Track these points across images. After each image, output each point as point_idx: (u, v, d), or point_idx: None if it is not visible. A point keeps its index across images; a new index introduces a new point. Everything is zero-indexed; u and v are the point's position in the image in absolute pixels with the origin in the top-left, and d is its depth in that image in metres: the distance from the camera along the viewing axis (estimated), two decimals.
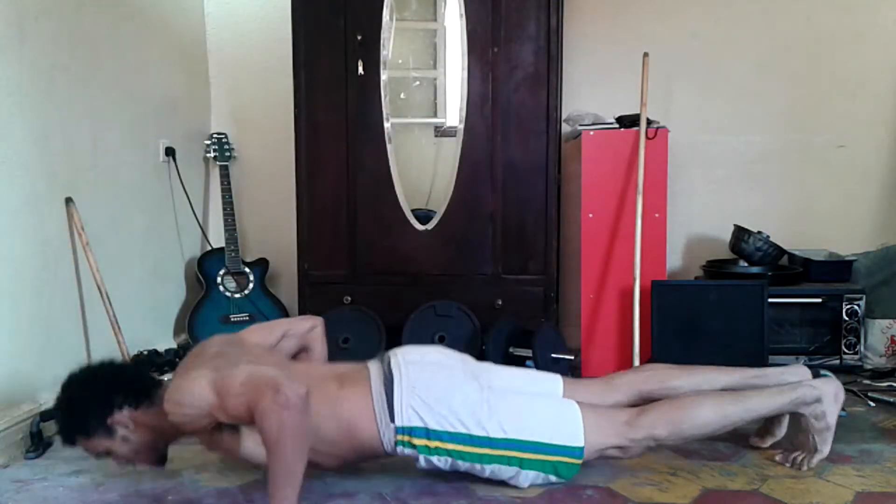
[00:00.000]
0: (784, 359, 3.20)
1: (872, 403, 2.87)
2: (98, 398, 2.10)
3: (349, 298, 3.43)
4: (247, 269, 3.73)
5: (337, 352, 3.28)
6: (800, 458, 2.29)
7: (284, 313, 3.76)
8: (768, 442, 2.46)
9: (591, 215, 3.29)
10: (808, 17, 3.65)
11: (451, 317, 3.33)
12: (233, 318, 3.64)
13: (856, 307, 3.23)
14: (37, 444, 2.52)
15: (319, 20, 3.39)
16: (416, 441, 2.10)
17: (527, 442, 2.11)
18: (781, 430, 2.45)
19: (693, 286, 3.33)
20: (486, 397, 2.14)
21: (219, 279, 3.69)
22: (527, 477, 2.14)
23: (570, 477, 2.16)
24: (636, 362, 3.08)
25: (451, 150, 3.46)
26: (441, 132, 3.74)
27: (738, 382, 2.36)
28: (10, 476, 2.36)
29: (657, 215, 3.24)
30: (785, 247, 3.48)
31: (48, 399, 2.69)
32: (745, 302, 3.10)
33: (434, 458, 2.12)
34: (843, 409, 2.72)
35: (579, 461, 2.13)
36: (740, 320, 3.09)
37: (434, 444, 2.10)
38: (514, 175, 3.36)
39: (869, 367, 3.29)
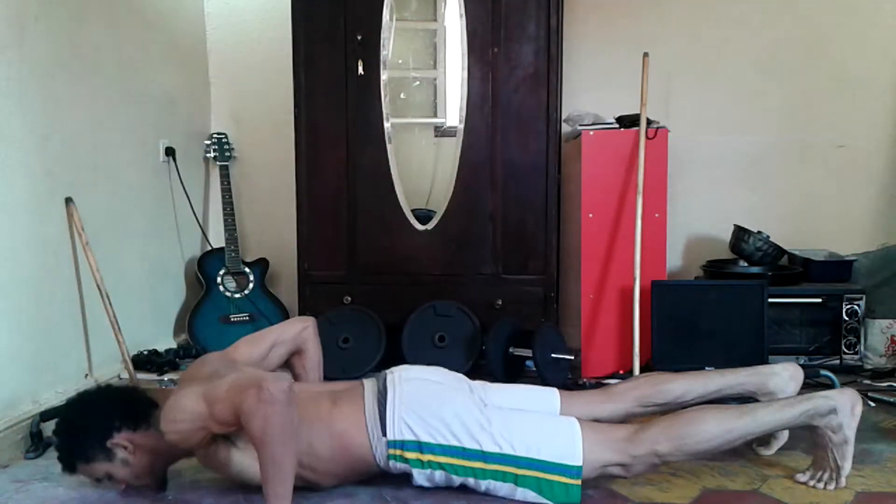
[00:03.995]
0: (784, 359, 3.11)
1: (872, 403, 2.85)
2: (97, 421, 2.11)
3: (349, 298, 3.42)
4: (247, 269, 3.73)
5: (337, 352, 3.28)
6: (825, 477, 2.15)
7: (284, 313, 3.75)
8: (774, 447, 2.39)
9: (591, 215, 3.27)
10: (808, 17, 3.64)
11: (451, 317, 3.32)
12: (233, 318, 3.63)
13: (856, 307, 3.23)
14: (36, 444, 2.51)
15: (319, 20, 3.38)
16: (409, 455, 2.08)
17: (521, 458, 2.05)
18: (784, 435, 2.38)
19: (693, 286, 3.32)
20: (481, 411, 2.11)
21: (219, 279, 3.69)
22: (524, 495, 2.06)
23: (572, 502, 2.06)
24: (636, 362, 3.07)
25: (451, 150, 3.46)
26: (441, 132, 3.73)
27: (734, 383, 2.33)
28: (9, 476, 2.35)
29: (657, 215, 3.23)
30: (785, 247, 3.47)
31: (48, 399, 2.71)
32: (744, 302, 3.09)
33: (427, 472, 2.09)
34: None
35: (577, 481, 2.04)
36: (740, 320, 3.09)
37: (427, 457, 2.07)
38: (514, 175, 3.36)
39: (869, 367, 3.28)
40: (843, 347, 3.25)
